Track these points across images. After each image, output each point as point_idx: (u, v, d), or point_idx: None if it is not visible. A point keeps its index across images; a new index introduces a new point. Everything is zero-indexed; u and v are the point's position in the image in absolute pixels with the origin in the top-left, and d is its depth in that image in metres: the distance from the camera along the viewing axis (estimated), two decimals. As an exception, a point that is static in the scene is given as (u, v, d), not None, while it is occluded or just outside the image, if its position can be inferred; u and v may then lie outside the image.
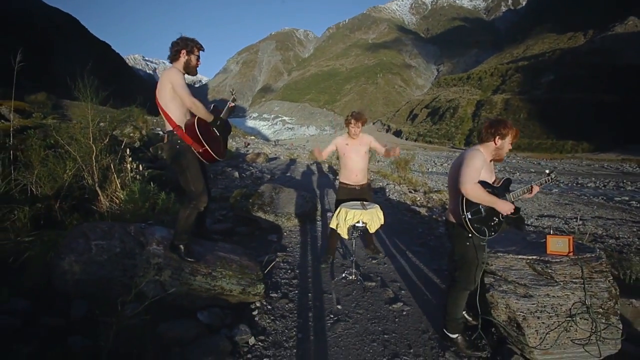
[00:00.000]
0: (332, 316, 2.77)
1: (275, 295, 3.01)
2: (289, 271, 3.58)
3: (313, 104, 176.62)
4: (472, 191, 2.13)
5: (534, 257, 2.39)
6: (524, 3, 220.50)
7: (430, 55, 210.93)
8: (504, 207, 2.17)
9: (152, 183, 3.90)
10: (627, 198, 16.48)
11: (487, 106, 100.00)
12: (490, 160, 2.38)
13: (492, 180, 2.36)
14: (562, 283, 2.15)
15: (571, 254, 2.35)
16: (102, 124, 4.89)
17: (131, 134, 7.12)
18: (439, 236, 5.16)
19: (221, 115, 2.65)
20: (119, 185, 4.07)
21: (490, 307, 2.25)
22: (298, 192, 5.84)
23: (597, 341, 2.05)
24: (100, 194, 3.98)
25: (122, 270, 2.42)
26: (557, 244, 2.41)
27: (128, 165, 4.31)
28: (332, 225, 3.30)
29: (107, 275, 2.36)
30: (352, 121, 3.51)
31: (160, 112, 2.48)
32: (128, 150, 4.44)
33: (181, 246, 2.51)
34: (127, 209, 3.79)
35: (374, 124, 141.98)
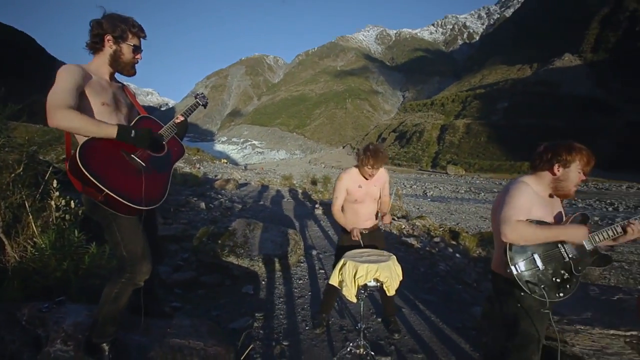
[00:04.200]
0: None
1: (257, 393, 2.07)
2: (273, 344, 2.64)
3: (283, 128, 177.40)
4: (516, 232, 1.47)
5: (635, 332, 1.68)
6: (477, 38, 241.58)
7: (396, 82, 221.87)
8: (575, 233, 1.51)
9: (76, 230, 2.84)
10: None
11: (450, 130, 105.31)
12: (551, 195, 1.70)
13: (553, 217, 1.69)
14: (697, 381, 1.44)
15: (683, 327, 1.68)
16: (32, 147, 3.82)
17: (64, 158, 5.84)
18: (444, 276, 4.45)
19: (160, 132, 1.73)
20: (36, 230, 2.99)
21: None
22: (277, 228, 4.95)
23: None
24: (6, 242, 2.88)
25: (-6, 397, 1.41)
26: (660, 313, 1.73)
27: (52, 202, 3.23)
28: (333, 282, 2.45)
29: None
30: (371, 163, 2.49)
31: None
32: (55, 181, 3.37)
33: (105, 345, 1.54)
34: (51, 263, 2.72)
35: (343, 147, 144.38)
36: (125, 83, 2.12)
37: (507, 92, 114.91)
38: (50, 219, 3.21)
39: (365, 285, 2.25)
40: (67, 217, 3.33)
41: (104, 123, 1.53)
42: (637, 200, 26.75)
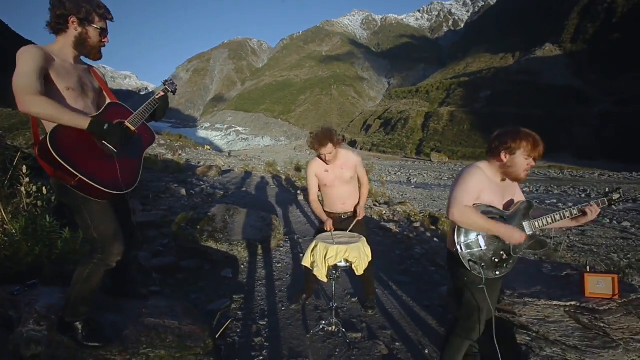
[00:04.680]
0: (312, 398, 2.00)
1: (232, 369, 2.17)
2: (250, 324, 2.74)
3: (268, 114, 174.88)
4: (460, 216, 1.62)
5: (573, 302, 1.86)
6: (462, 25, 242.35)
7: (382, 68, 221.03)
8: (510, 234, 1.63)
9: (49, 215, 2.82)
10: (555, 200, 19.02)
11: (434, 118, 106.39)
12: (504, 180, 1.83)
13: (504, 203, 1.82)
14: (622, 342, 1.62)
15: (617, 296, 1.86)
16: None
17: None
18: (418, 259, 4.64)
19: (130, 119, 1.70)
20: (5, 216, 2.95)
21: (534, 383, 1.66)
22: (256, 213, 5.00)
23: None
24: (-26, 230, 2.83)
25: (-33, 375, 1.45)
26: (598, 284, 1.91)
27: (23, 189, 3.18)
28: (306, 263, 2.56)
29: None
30: (315, 147, 2.61)
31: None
32: (25, 167, 3.30)
33: (78, 324, 1.59)
34: (22, 249, 2.70)
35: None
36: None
37: (490, 80, 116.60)
38: (22, 205, 3.17)
39: (336, 265, 2.36)
40: (40, 203, 3.29)
41: (77, 113, 1.51)
42: (607, 187, 28.17)
